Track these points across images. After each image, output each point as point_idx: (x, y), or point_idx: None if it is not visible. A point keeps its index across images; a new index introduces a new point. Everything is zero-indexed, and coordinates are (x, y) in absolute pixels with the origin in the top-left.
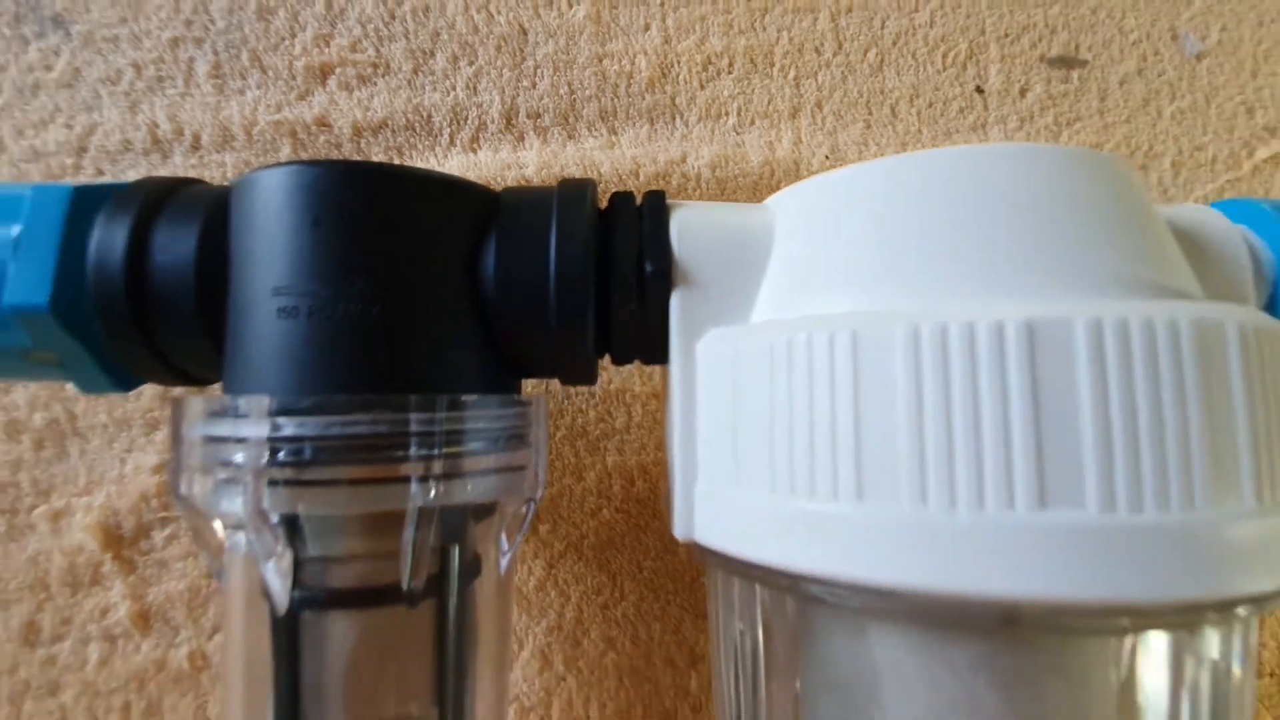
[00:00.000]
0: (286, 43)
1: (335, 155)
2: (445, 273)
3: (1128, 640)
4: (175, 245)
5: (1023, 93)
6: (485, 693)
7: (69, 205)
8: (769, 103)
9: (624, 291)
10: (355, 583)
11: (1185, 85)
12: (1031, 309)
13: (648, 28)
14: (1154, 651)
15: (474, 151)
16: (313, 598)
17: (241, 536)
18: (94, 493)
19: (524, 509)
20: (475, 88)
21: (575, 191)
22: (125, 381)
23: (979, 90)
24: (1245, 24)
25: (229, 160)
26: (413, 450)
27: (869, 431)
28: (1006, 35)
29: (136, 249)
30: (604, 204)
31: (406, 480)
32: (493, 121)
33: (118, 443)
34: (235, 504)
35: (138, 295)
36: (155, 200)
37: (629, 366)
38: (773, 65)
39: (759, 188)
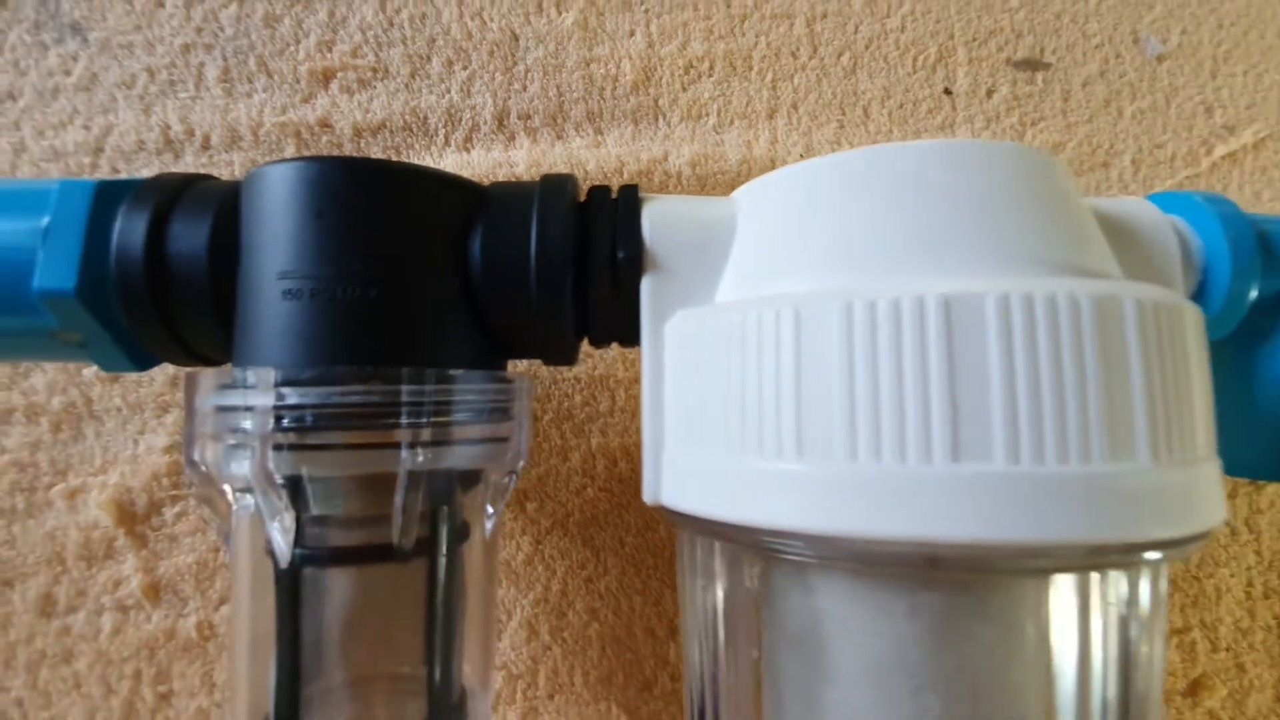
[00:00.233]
0: (291, 48)
1: (338, 155)
2: (437, 259)
3: (1045, 584)
4: (190, 235)
5: (989, 94)
6: (473, 653)
7: (93, 198)
8: (747, 104)
9: (599, 276)
10: (353, 541)
11: (1146, 86)
12: (950, 286)
13: (632, 33)
14: (1068, 594)
15: (467, 151)
16: (314, 555)
17: (249, 499)
18: (108, 472)
19: (506, 479)
20: (469, 90)
21: (556, 185)
22: (143, 362)
23: (947, 92)
24: (1205, 27)
25: (237, 159)
26: (403, 418)
27: (808, 395)
28: (974, 39)
29: (155, 238)
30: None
31: (398, 446)
32: (485, 122)
33: (131, 425)
34: (243, 467)
35: (156, 281)
36: (172, 194)
37: (612, 353)
38: (751, 69)
39: (737, 185)
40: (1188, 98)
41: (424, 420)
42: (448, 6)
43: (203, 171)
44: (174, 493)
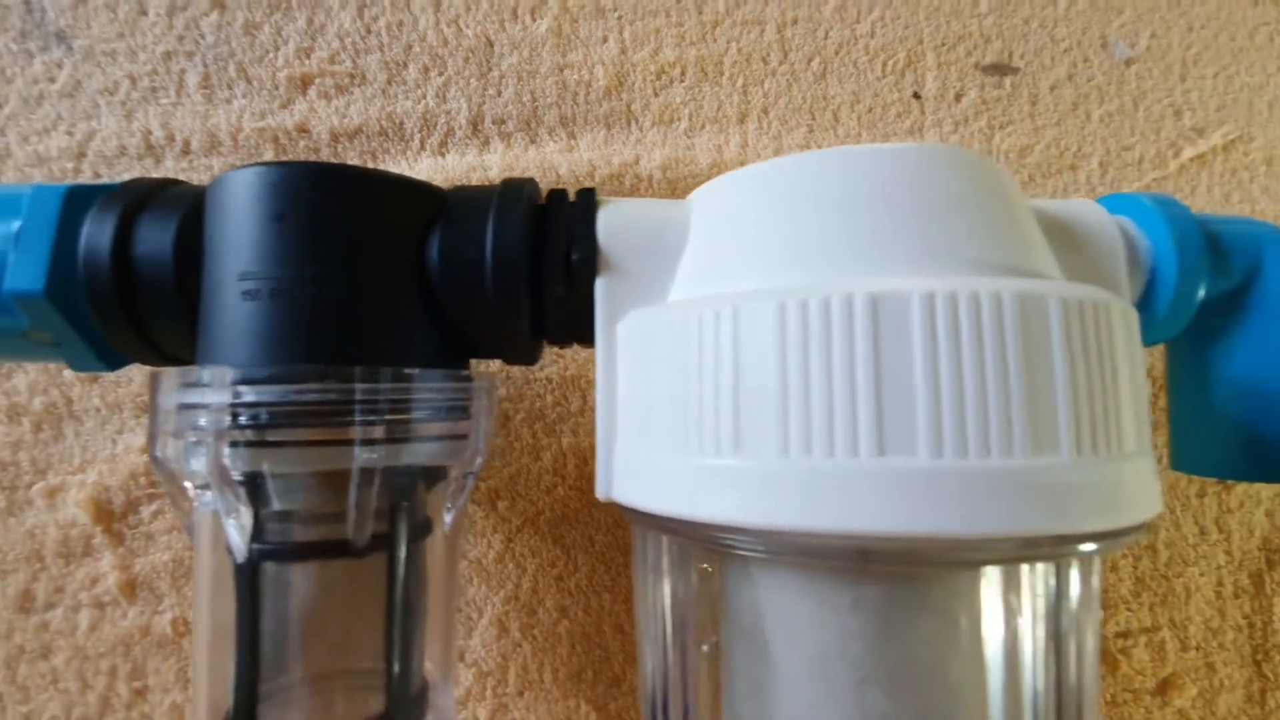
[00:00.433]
0: (270, 55)
1: (314, 159)
2: (395, 261)
3: (980, 576)
4: (156, 238)
5: (958, 98)
6: (435, 647)
7: (63, 203)
8: (718, 109)
9: (554, 277)
10: (314, 537)
11: (1114, 90)
12: (878, 284)
13: (605, 40)
14: (1001, 587)
15: (442, 155)
16: (271, 550)
17: (209, 495)
18: (87, 471)
19: (465, 477)
20: (445, 96)
21: (514, 188)
22: (114, 361)
23: (916, 96)
24: (1175, 30)
25: (216, 164)
26: (357, 416)
27: (745, 392)
28: (943, 44)
29: (121, 241)
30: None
31: (353, 443)
32: (460, 127)
33: (110, 425)
34: (201, 463)
35: (123, 282)
36: (140, 198)
37: (584, 354)
38: (722, 74)
39: None
40: (1156, 100)
41: (378, 418)
42: (424, 14)
43: (183, 176)
44: (151, 491)
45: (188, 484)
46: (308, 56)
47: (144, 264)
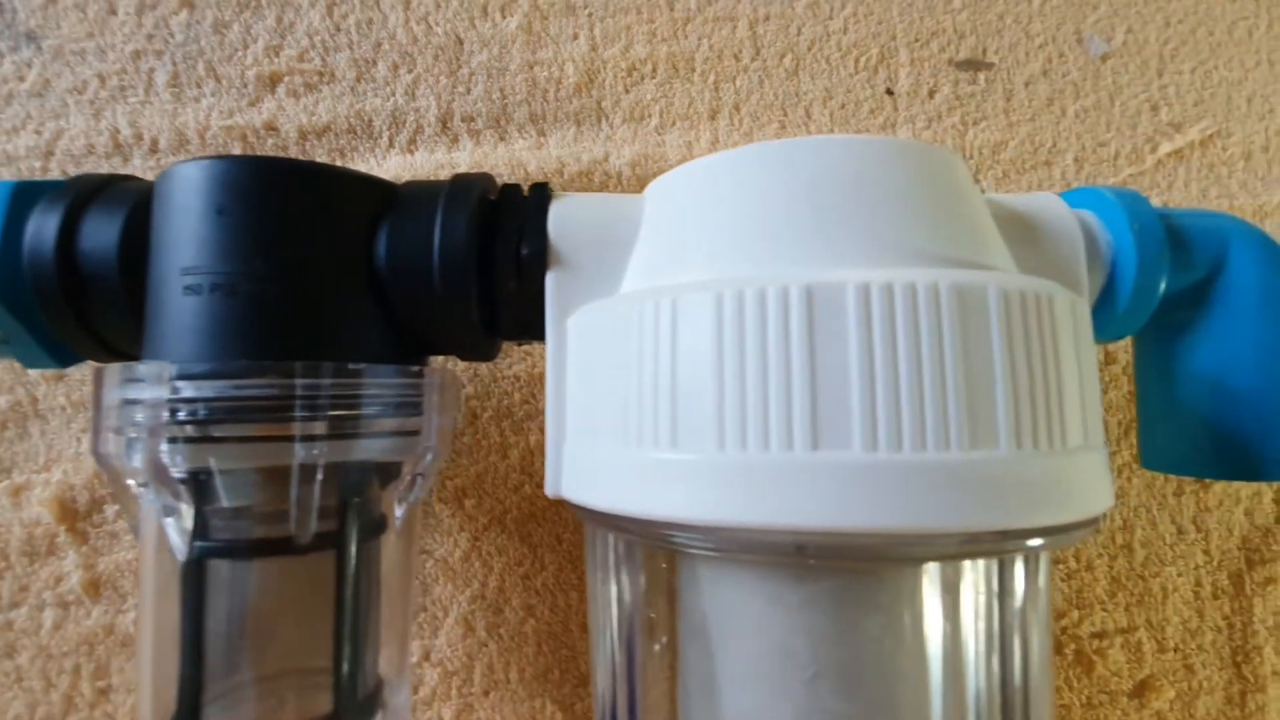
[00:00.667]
0: (239, 54)
1: (281, 155)
2: (342, 256)
3: (924, 572)
4: (100, 233)
5: (931, 94)
6: (389, 644)
7: (9, 200)
8: (689, 105)
9: (505, 272)
10: (259, 534)
11: (1089, 85)
12: (814, 275)
13: (576, 37)
14: (945, 583)
15: (411, 153)
16: (217, 548)
17: (151, 492)
18: (52, 470)
19: (415, 474)
20: (414, 94)
21: (464, 183)
22: (64, 359)
23: (889, 92)
24: (1151, 25)
25: None
26: (297, 412)
27: (683, 385)
28: (916, 40)
29: (66, 236)
30: None
31: (294, 439)
32: (429, 125)
33: (75, 424)
34: (139, 460)
35: (68, 278)
36: (86, 194)
37: None
38: (694, 71)
39: None
40: (1132, 95)
41: (320, 414)
42: (394, 11)
43: (150, 175)
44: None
45: (130, 481)
46: (277, 54)
47: (89, 259)
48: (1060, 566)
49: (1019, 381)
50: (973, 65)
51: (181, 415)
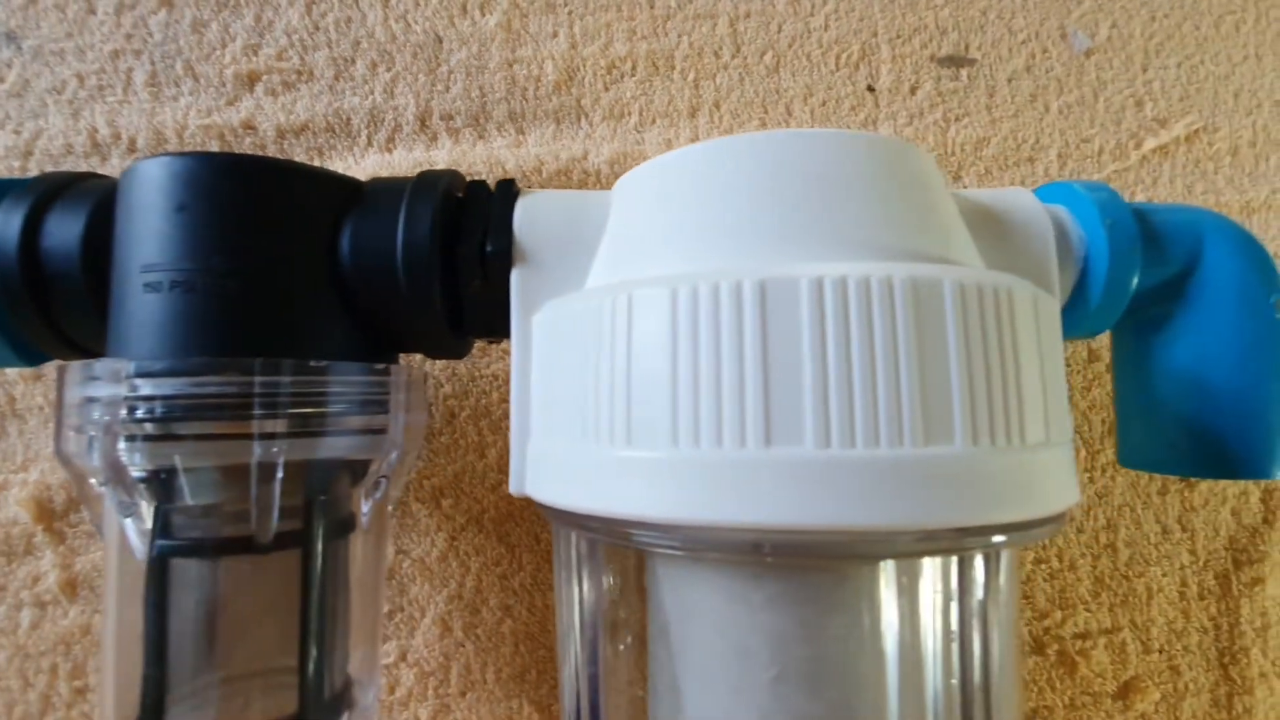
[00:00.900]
0: (218, 53)
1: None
2: (304, 253)
3: (887, 570)
4: (64, 231)
5: (912, 90)
6: (359, 643)
7: None
8: (669, 103)
9: (469, 270)
10: (224, 533)
11: (1073, 81)
12: (768, 270)
13: (555, 34)
14: (904, 581)
15: (389, 152)
16: (180, 546)
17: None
18: (29, 469)
19: (382, 472)
20: (392, 92)
21: (429, 180)
22: (31, 357)
23: (870, 89)
24: (1137, 20)
25: None
26: (256, 409)
27: (637, 381)
28: (898, 36)
29: (29, 234)
30: None
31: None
32: (408, 123)
33: (53, 424)
34: (97, 458)
35: (32, 276)
36: (51, 192)
37: None
38: (674, 68)
39: None
40: (1117, 91)
41: (279, 411)
42: (373, 10)
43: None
44: None
45: (92, 480)
46: (255, 53)
47: (52, 258)
48: (1043, 566)
49: (975, 377)
50: (955, 61)
51: (140, 413)
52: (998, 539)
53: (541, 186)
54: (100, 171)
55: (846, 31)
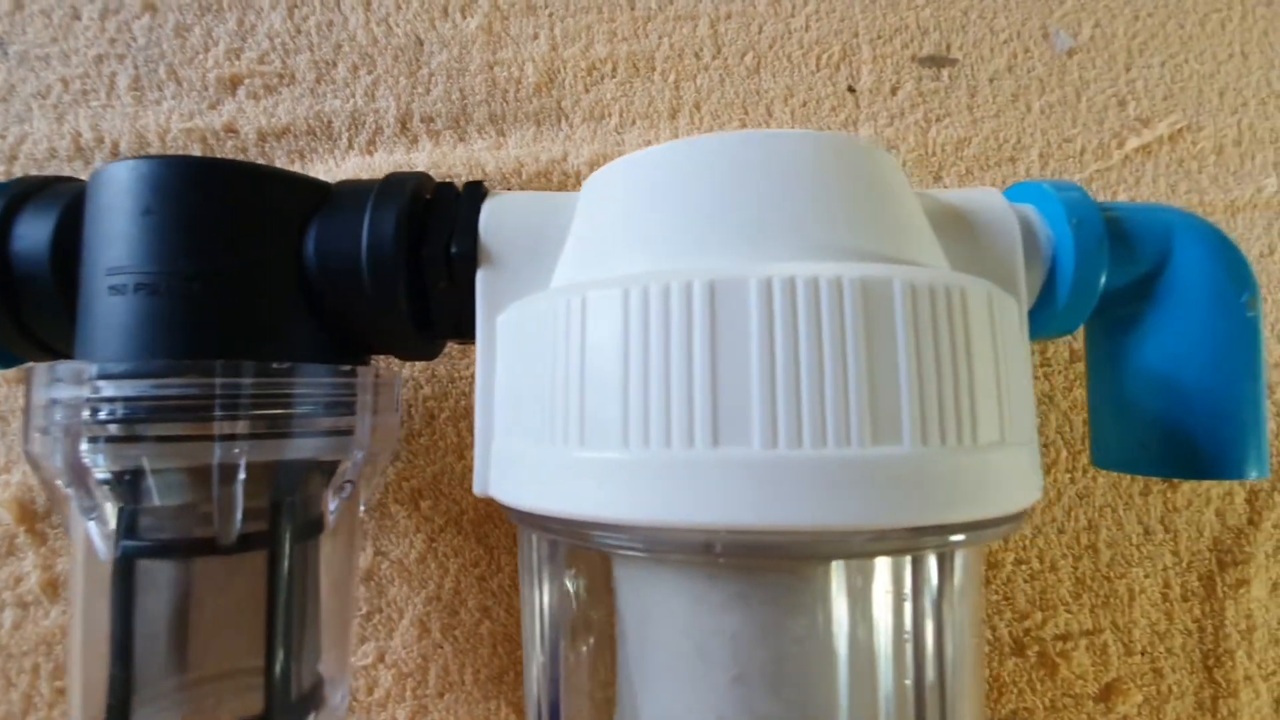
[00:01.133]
0: (200, 57)
1: (241, 159)
2: (270, 255)
3: (840, 570)
4: (33, 234)
5: (893, 91)
6: (329, 642)
7: None
8: (649, 104)
9: (435, 271)
10: (189, 534)
11: (1055, 80)
12: (718, 270)
13: (536, 37)
14: (855, 581)
15: (370, 154)
16: (144, 548)
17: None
18: (12, 471)
19: (347, 475)
20: (373, 95)
21: (396, 181)
22: (2, 359)
23: (851, 90)
24: (1119, 19)
25: None
26: (217, 411)
27: (590, 382)
28: (879, 37)
29: None
30: None
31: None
32: (389, 126)
33: None
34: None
35: (2, 279)
36: (22, 195)
37: None
38: (654, 70)
39: None
40: (1099, 91)
41: (240, 413)
42: (354, 13)
43: None
44: None
45: (59, 481)
46: (237, 57)
47: (22, 260)
48: (1023, 567)
49: (925, 377)
50: (936, 62)
51: (102, 414)
52: (953, 538)
53: (521, 188)
54: (83, 176)
55: (827, 32)
